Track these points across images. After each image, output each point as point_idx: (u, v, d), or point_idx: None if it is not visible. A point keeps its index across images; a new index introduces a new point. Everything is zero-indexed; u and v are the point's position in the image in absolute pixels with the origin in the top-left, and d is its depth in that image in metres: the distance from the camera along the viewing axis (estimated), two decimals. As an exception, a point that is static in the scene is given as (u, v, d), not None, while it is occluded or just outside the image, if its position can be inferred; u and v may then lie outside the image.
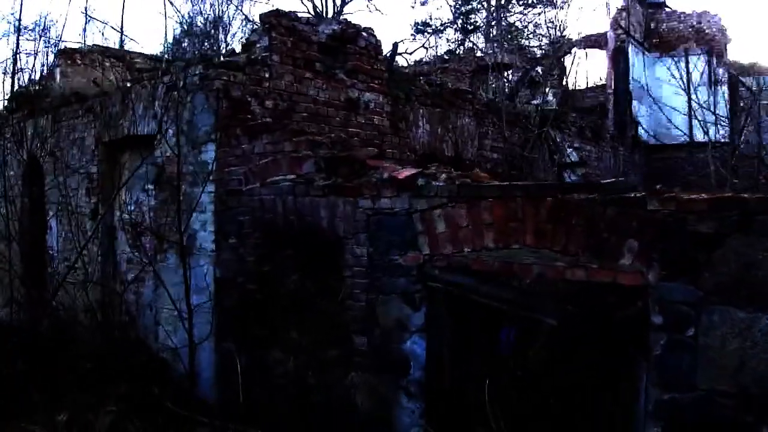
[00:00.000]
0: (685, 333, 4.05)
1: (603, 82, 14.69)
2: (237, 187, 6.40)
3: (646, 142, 14.22)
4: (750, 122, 12.12)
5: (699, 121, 12.32)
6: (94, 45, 15.13)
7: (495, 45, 15.60)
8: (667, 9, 15.29)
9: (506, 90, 11.82)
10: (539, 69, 14.04)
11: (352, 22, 8.31)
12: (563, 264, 4.49)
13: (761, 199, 3.91)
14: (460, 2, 21.22)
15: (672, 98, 13.37)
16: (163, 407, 5.99)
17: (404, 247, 5.15)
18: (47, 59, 13.21)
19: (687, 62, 13.41)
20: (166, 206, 7.11)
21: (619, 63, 13.45)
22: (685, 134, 12.76)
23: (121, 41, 16.82)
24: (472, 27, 20.81)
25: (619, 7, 14.38)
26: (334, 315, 5.63)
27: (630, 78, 13.39)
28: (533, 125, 10.05)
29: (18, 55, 13.35)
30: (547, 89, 13.20)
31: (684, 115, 13.02)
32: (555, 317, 4.66)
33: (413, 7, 26.02)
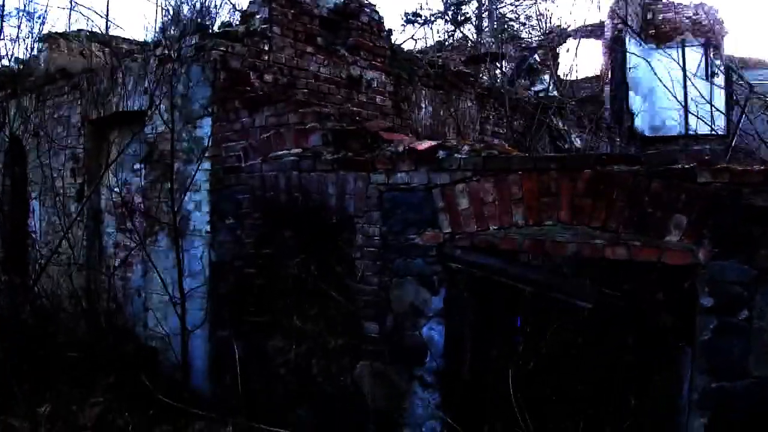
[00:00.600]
0: (737, 316, 3.66)
1: (598, 72, 14.34)
2: (235, 163, 5.88)
3: (641, 133, 13.88)
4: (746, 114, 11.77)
5: (695, 115, 11.96)
6: (80, 30, 14.48)
7: (489, 34, 15.18)
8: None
9: (506, 77, 11.40)
10: (537, 57, 13.66)
11: (354, -3, 7.78)
12: (602, 241, 4.03)
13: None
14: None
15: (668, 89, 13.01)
16: (154, 399, 5.45)
17: (422, 226, 4.67)
18: (31, 43, 12.57)
19: (683, 53, 13.07)
20: (157, 186, 6.57)
21: (616, 53, 13.08)
22: (689, 127, 12.40)
23: (107, 27, 16.12)
24: (463, 18, 20.41)
25: (617, -3, 14.07)
26: (341, 300, 5.13)
27: (627, 68, 13.05)
28: (538, 111, 9.61)
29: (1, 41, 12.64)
30: (546, 77, 12.81)
31: (677, 108, 12.68)
32: (590, 300, 4.19)
33: (404, -3, 25.75)
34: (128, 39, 13.96)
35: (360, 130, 5.10)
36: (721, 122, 12.62)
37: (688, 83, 12.60)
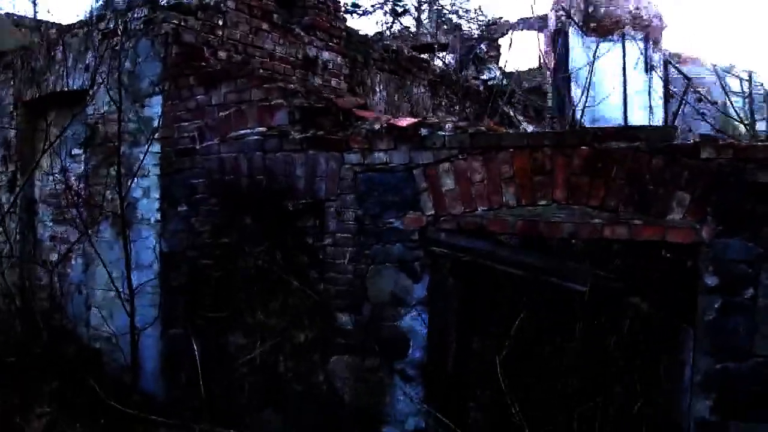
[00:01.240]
0: (742, 295, 3.50)
1: (539, 64, 14.29)
2: (189, 145, 5.37)
3: (583, 124, 13.90)
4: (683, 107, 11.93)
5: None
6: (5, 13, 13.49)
7: (431, 25, 14.94)
8: (605, -8, 15.04)
9: (452, 65, 11.18)
10: (483, 47, 13.50)
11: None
12: (601, 221, 3.77)
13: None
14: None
15: (608, 82, 13.11)
16: (105, 406, 4.90)
17: (402, 208, 4.31)
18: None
19: (624, 47, 13.15)
20: (100, 172, 5.97)
21: (558, 45, 13.05)
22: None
23: (35, 11, 15.11)
24: (402, 9, 20.13)
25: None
26: (311, 291, 4.71)
27: (569, 60, 13.03)
28: (491, 99, 9.40)
29: None
30: (493, 66, 12.66)
31: (618, 99, 12.76)
32: (584, 283, 3.92)
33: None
34: (57, 24, 13.07)
35: (331, 106, 4.69)
36: (659, 114, 12.76)
37: (628, 76, 12.72)
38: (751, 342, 3.49)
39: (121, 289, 5.44)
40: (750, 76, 13.10)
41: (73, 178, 6.39)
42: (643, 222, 3.69)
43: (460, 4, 19.82)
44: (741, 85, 13.10)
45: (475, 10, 18.57)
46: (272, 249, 5.04)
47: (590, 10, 14.06)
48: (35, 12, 14.91)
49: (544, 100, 13.10)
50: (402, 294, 4.32)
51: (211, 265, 5.23)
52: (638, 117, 12.98)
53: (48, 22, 12.85)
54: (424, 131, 4.24)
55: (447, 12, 19.72)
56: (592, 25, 14.10)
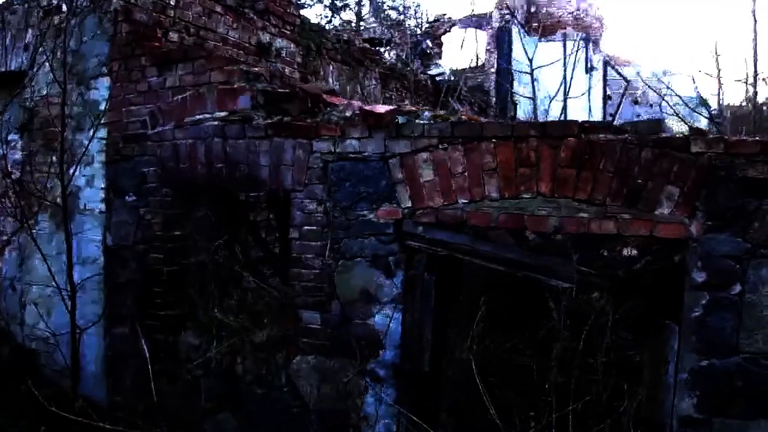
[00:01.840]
0: (729, 291, 3.39)
1: (482, 62, 14.22)
2: (139, 130, 4.94)
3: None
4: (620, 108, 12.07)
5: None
6: None
7: (373, 20, 14.69)
8: (548, -6, 15.10)
9: (400, 59, 10.95)
10: (429, 42, 13.31)
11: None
12: (588, 215, 3.58)
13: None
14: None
15: (550, 82, 13.13)
16: (45, 412, 4.41)
17: (376, 200, 4.03)
18: None
19: (564, 47, 13.21)
20: (38, 159, 5.46)
21: (502, 43, 13.00)
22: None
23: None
24: (342, 4, 19.76)
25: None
26: (273, 287, 4.38)
27: (512, 59, 13.00)
28: (442, 94, 9.21)
29: None
30: (439, 62, 12.49)
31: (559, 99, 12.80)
32: (568, 280, 3.74)
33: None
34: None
35: (298, 91, 4.36)
36: (598, 115, 12.87)
37: (568, 75, 12.75)
38: (737, 338, 3.38)
39: (61, 285, 4.95)
40: (694, 80, 13.39)
41: (5, 165, 5.81)
42: (631, 216, 3.53)
43: (402, 1, 19.70)
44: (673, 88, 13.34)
45: (415, 7, 18.46)
46: (231, 243, 4.68)
47: (532, 9, 14.11)
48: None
49: (487, 97, 13.03)
50: (374, 291, 4.04)
51: (163, 259, 4.83)
52: (578, 117, 13.07)
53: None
54: (401, 119, 3.97)
55: (387, 8, 19.49)
56: (534, 24, 14.14)
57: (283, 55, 6.86)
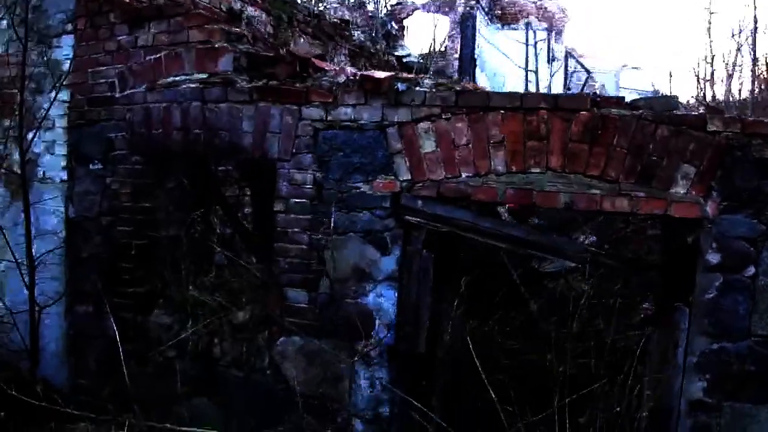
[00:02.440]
0: (743, 273, 3.26)
1: (443, 48, 13.96)
2: (107, 93, 4.50)
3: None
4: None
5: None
6: None
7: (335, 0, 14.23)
8: (512, -19, 14.89)
9: (369, 38, 10.60)
10: (394, 24, 12.98)
11: None
12: (601, 192, 3.37)
13: None
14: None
15: (512, 70, 13.03)
16: (4, 396, 3.99)
17: (372, 172, 3.73)
18: None
19: (527, 36, 13.09)
20: (-11, 123, 4.95)
21: (465, 29, 12.75)
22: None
23: None
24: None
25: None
26: (255, 264, 4.04)
27: (475, 46, 12.77)
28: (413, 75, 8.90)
29: None
30: (404, 43, 12.19)
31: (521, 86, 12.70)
32: (576, 259, 3.53)
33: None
34: None
35: (285, 54, 4.01)
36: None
37: (531, 65, 12.67)
38: (749, 322, 3.27)
39: (19, 260, 4.49)
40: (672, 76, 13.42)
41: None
42: (645, 194, 3.33)
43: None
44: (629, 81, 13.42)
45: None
46: (208, 215, 4.31)
47: (496, -3, 13.95)
48: None
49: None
50: (368, 268, 3.75)
51: (131, 232, 4.42)
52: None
53: None
54: (401, 86, 3.68)
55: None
56: (497, 12, 13.97)
57: (254, 24, 6.44)
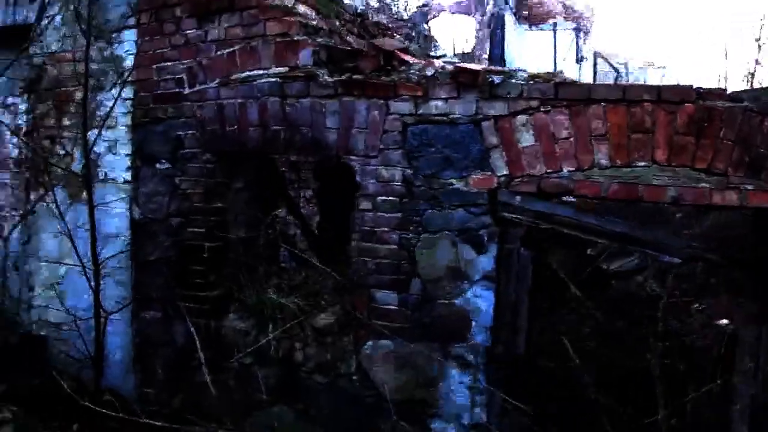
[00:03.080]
0: None
1: (469, 50, 14.00)
2: (174, 89, 4.56)
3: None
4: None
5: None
6: None
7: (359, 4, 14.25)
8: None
9: (408, 38, 10.65)
10: (426, 25, 13.04)
11: None
12: (709, 185, 3.44)
13: None
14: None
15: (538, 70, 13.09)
16: (74, 407, 4.05)
17: (466, 167, 3.78)
18: None
19: (555, 36, 13.17)
20: (47, 123, 5.03)
21: (495, 30, 12.81)
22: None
23: None
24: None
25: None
26: (339, 265, 4.11)
27: (505, 46, 12.83)
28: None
29: None
30: (438, 44, 12.24)
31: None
32: (679, 255, 3.60)
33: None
34: None
35: (369, 47, 4.08)
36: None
37: (559, 66, 12.74)
38: None
39: (82, 265, 4.55)
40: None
41: (4, 131, 5.35)
42: (755, 187, 3.40)
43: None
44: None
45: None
46: (289, 214, 4.38)
47: (522, -2, 13.99)
48: None
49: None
50: (463, 267, 3.80)
51: (203, 234, 4.47)
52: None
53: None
54: (496, 78, 3.74)
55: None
56: (524, 12, 14.04)
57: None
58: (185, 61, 4.52)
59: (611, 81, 13.37)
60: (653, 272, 5.09)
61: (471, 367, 3.81)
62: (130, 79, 4.67)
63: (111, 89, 4.74)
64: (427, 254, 3.86)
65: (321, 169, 4.73)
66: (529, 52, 11.65)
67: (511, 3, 13.69)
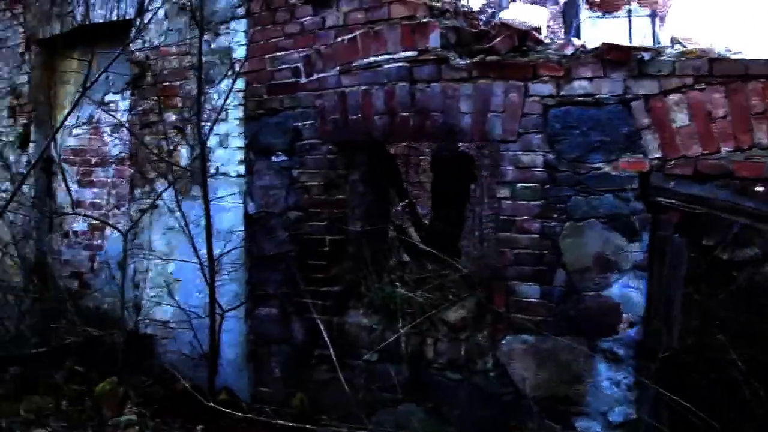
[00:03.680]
0: None
1: (544, 38, 13.91)
2: (290, 79, 4.64)
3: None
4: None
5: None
6: None
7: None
8: (610, -33, 14.82)
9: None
10: (501, 16, 13.09)
11: None
12: None
13: None
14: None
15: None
16: (195, 408, 4.12)
17: (614, 151, 3.76)
18: None
19: (630, 23, 13.08)
20: (151, 119, 5.14)
21: (570, 18, 12.79)
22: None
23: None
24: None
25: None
26: (475, 257, 4.12)
27: (580, 35, 12.77)
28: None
29: None
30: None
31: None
32: None
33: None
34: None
35: (502, 27, 4.10)
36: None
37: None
38: None
39: (199, 261, 4.63)
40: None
41: (105, 129, 5.49)
42: None
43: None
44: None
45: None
46: (403, 207, 4.41)
47: (594, -16, 13.91)
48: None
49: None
50: (612, 256, 3.77)
51: (324, 227, 4.53)
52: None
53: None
54: (645, 55, 3.72)
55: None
56: (597, 0, 13.96)
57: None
58: (301, 50, 4.60)
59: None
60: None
61: (621, 361, 3.77)
62: (241, 70, 4.74)
63: (220, 82, 4.83)
64: (572, 243, 3.85)
65: (436, 160, 4.75)
66: (603, 40, 11.51)
67: (584, -10, 13.64)
